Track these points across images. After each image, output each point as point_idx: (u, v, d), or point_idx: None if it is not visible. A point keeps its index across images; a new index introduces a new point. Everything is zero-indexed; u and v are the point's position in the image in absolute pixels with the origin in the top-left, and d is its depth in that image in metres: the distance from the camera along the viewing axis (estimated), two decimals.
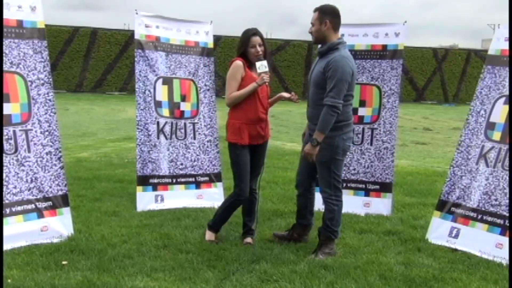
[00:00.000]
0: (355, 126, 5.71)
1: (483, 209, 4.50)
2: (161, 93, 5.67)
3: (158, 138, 5.66)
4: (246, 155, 4.40)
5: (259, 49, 4.31)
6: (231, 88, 4.32)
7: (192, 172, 5.86)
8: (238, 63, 4.32)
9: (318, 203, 4.69)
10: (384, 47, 5.62)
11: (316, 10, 4.23)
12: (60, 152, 4.55)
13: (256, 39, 4.31)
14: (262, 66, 4.25)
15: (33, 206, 4.38)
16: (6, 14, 4.17)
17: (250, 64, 4.39)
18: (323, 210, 4.45)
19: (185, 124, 5.80)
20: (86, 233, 4.59)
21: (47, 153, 4.46)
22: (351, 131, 4.30)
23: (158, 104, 5.66)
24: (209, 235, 4.57)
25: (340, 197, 4.34)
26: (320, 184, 4.33)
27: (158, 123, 5.65)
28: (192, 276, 3.75)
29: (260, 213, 5.11)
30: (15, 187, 4.28)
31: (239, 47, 4.39)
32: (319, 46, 4.32)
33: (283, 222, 5.13)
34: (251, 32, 4.34)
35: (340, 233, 4.50)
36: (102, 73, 27.68)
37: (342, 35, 5.70)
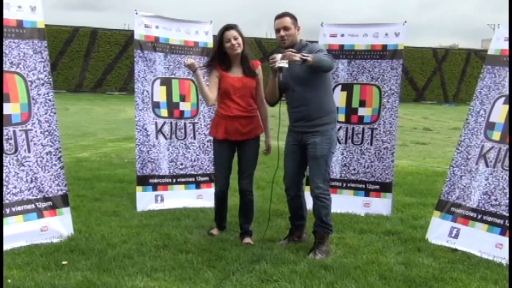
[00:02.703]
0: (355, 126, 5.73)
1: (483, 209, 4.50)
2: (159, 93, 5.67)
3: (157, 138, 5.66)
4: (223, 150, 4.51)
5: (234, 42, 4.35)
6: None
7: (192, 172, 5.86)
8: (205, 69, 4.51)
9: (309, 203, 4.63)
10: (384, 47, 5.62)
11: (286, 15, 4.31)
12: (60, 152, 4.55)
13: (230, 33, 4.36)
14: (283, 61, 4.04)
15: (33, 206, 4.38)
16: (6, 14, 4.17)
17: (227, 65, 4.42)
18: (311, 210, 4.45)
19: (185, 124, 5.80)
20: (86, 233, 4.59)
21: (47, 153, 4.46)
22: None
23: (156, 105, 5.66)
24: (214, 230, 4.78)
25: (330, 192, 4.39)
26: (315, 181, 4.29)
27: (156, 123, 5.65)
28: (192, 276, 3.75)
29: (260, 213, 5.12)
30: (15, 187, 4.28)
31: (215, 45, 4.50)
32: (284, 48, 4.27)
33: (283, 222, 5.13)
34: (223, 28, 4.41)
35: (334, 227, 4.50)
36: (102, 73, 27.68)
37: (342, 35, 5.77)
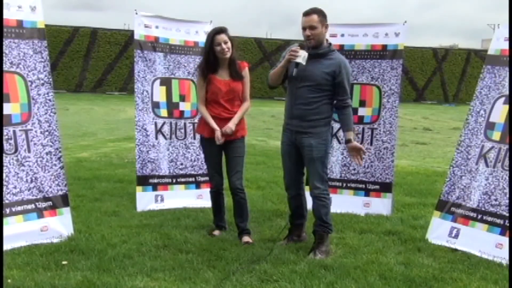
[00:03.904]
0: (355, 126, 5.72)
1: (483, 209, 4.50)
2: (159, 94, 5.68)
3: (156, 138, 5.66)
4: (211, 146, 4.56)
5: (224, 46, 4.39)
6: (200, 95, 4.59)
7: (192, 172, 5.87)
8: (199, 70, 4.56)
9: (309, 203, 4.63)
10: (384, 47, 5.62)
11: (314, 12, 4.16)
12: (60, 152, 4.55)
13: (220, 37, 4.39)
14: (304, 58, 4.09)
15: (33, 206, 4.38)
16: (6, 14, 4.17)
17: (216, 68, 4.48)
18: (311, 209, 4.47)
19: (185, 124, 5.80)
20: (86, 233, 4.59)
21: (47, 153, 4.47)
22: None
23: (156, 105, 5.66)
24: (216, 231, 4.79)
25: (329, 191, 4.40)
26: (313, 181, 4.31)
27: (156, 123, 5.66)
28: (192, 276, 3.75)
29: (260, 213, 5.12)
30: (15, 187, 4.28)
31: (204, 47, 4.54)
32: (310, 47, 4.19)
33: (283, 222, 5.12)
34: (214, 31, 4.44)
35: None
36: (102, 73, 27.69)
37: (342, 35, 5.76)
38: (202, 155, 5.83)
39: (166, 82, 5.72)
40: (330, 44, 4.30)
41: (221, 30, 4.41)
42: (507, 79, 4.52)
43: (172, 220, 5.18)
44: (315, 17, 4.14)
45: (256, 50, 28.94)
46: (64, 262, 3.92)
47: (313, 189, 4.33)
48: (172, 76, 5.75)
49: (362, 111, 5.70)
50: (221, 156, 4.66)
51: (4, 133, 4.19)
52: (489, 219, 4.44)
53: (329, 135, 4.38)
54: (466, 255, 4.35)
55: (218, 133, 4.41)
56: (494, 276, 3.89)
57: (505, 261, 4.17)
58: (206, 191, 5.80)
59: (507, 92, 4.50)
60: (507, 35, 4.57)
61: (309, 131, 4.26)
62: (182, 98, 5.79)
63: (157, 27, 5.66)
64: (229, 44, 4.41)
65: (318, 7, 4.23)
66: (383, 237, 4.82)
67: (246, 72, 4.58)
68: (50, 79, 4.50)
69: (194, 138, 5.81)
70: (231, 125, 4.44)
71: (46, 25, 4.48)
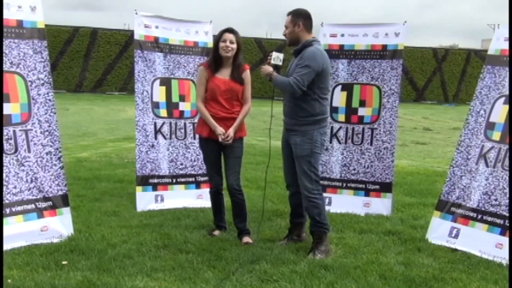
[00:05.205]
0: (355, 126, 5.73)
1: (483, 209, 4.50)
2: (159, 94, 5.68)
3: (155, 138, 5.66)
4: (210, 146, 4.59)
5: (229, 44, 4.45)
6: (199, 93, 4.58)
7: (192, 172, 5.87)
8: (200, 68, 4.62)
9: None
10: (384, 47, 5.62)
11: (289, 13, 4.34)
12: (60, 152, 4.55)
13: (229, 35, 4.47)
14: (277, 58, 4.33)
15: (33, 206, 4.38)
16: (6, 14, 4.17)
17: (218, 67, 4.51)
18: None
19: (185, 124, 5.80)
20: (86, 233, 4.59)
21: (47, 153, 4.47)
22: (326, 126, 4.45)
23: (155, 105, 5.67)
24: (216, 231, 4.79)
25: (321, 191, 4.37)
26: (301, 180, 4.31)
27: (155, 123, 5.66)
28: (192, 276, 3.75)
29: (260, 213, 5.11)
30: (15, 187, 4.28)
31: (213, 44, 4.61)
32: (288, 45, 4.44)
33: (283, 222, 5.13)
34: (224, 29, 4.52)
35: (330, 225, 4.48)
36: (102, 73, 27.68)
37: (342, 35, 5.76)
38: (202, 155, 5.86)
39: (166, 82, 5.72)
40: (306, 40, 4.28)
41: (231, 30, 4.50)
42: (507, 79, 4.52)
43: (172, 220, 5.18)
44: (288, 17, 4.34)
45: (256, 50, 28.92)
46: (64, 262, 3.92)
47: (302, 188, 4.32)
48: (172, 76, 5.76)
49: (362, 111, 5.70)
50: (220, 156, 4.66)
51: (4, 133, 4.19)
52: (489, 219, 4.43)
53: (318, 135, 4.28)
54: (466, 255, 4.35)
55: (221, 130, 4.42)
56: (494, 276, 3.89)
57: (505, 261, 4.17)
58: (206, 191, 5.80)
59: (507, 92, 4.50)
60: (507, 35, 4.57)
61: (296, 129, 4.30)
62: (182, 98, 5.79)
63: (157, 27, 5.67)
64: (234, 45, 4.47)
65: (302, 7, 4.36)
66: (383, 237, 4.82)
67: (247, 74, 4.59)
68: (50, 79, 4.50)
69: (194, 138, 5.81)
70: (231, 133, 4.47)
71: (46, 25, 4.48)
